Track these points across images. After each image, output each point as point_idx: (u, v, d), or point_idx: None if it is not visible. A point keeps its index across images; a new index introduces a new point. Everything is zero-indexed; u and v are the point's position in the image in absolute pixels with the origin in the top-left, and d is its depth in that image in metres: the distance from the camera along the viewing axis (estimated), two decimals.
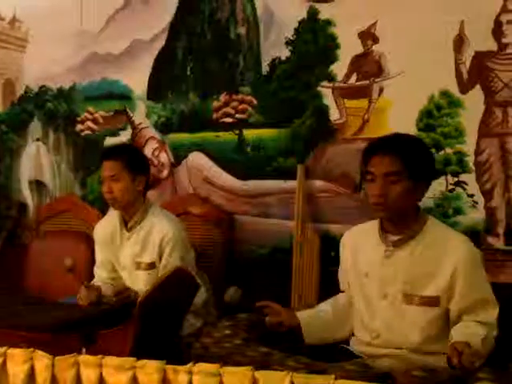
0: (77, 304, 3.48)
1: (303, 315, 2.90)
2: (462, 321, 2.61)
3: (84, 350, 2.87)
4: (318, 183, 4.05)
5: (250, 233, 4.28)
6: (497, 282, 3.46)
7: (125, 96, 4.74)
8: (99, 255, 3.84)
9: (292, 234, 4.07)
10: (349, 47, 3.92)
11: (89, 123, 4.88)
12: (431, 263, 2.64)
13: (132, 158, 3.68)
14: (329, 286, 3.17)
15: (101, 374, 2.17)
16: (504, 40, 3.47)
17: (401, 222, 2.71)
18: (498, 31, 3.48)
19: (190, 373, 2.07)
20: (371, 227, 2.82)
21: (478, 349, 2.38)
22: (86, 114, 4.89)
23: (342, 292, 2.99)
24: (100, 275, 3.81)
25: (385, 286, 2.72)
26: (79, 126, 4.91)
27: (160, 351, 2.45)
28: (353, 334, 2.88)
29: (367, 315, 2.79)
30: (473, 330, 2.53)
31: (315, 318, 2.92)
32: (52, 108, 5.00)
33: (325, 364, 2.33)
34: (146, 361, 2.14)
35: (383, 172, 2.64)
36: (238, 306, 3.05)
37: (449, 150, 3.63)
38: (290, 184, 4.10)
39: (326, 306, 2.99)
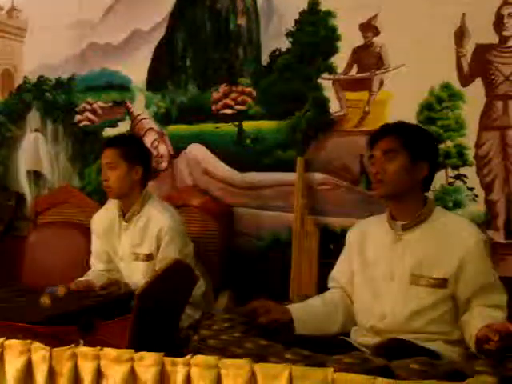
0: (74, 296, 3.48)
1: (294, 309, 2.89)
2: (471, 305, 2.63)
3: (82, 341, 2.86)
4: (318, 176, 4.04)
5: (249, 225, 4.27)
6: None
7: (124, 87, 4.72)
8: (96, 246, 3.84)
9: (291, 227, 4.06)
10: (349, 39, 3.91)
11: (87, 114, 4.86)
12: (440, 247, 2.67)
13: (130, 147, 3.70)
14: (328, 278, 3.16)
15: (99, 365, 2.17)
16: (505, 33, 3.47)
17: (406, 207, 2.74)
18: (498, 24, 3.47)
19: (188, 365, 2.07)
20: (380, 218, 2.87)
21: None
22: (84, 104, 4.86)
23: (329, 289, 3.01)
24: (96, 266, 3.81)
25: (392, 267, 2.75)
26: (78, 117, 4.89)
27: (158, 343, 2.44)
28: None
29: (373, 300, 2.80)
30: (492, 314, 2.56)
31: (306, 312, 2.91)
32: (50, 98, 4.98)
33: (323, 357, 2.32)
34: (144, 353, 2.13)
35: (382, 150, 2.73)
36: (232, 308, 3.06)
37: (449, 143, 3.63)
38: (290, 176, 4.09)
39: (314, 301, 2.99)
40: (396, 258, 2.74)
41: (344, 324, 2.90)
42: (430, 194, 3.57)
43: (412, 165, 2.70)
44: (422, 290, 2.67)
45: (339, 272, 2.99)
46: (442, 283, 2.65)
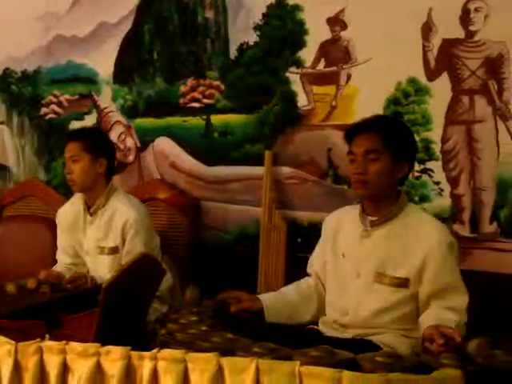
0: (39, 290, 3.46)
1: (265, 298, 2.90)
2: (430, 305, 2.64)
3: (47, 336, 2.84)
4: (286, 169, 4.04)
5: (217, 219, 4.27)
6: (462, 269, 3.49)
7: (90, 79, 4.69)
8: (61, 240, 3.82)
9: (259, 221, 4.06)
10: (317, 33, 3.91)
11: (54, 107, 4.82)
12: (405, 245, 2.67)
13: (93, 139, 3.69)
14: (295, 272, 3.17)
15: (64, 360, 2.15)
16: (471, 27, 3.49)
17: (381, 203, 2.74)
18: (465, 19, 3.49)
19: (155, 359, 2.06)
20: (353, 210, 2.85)
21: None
22: (51, 97, 4.83)
23: (308, 275, 3.01)
24: (62, 260, 3.79)
25: (359, 264, 2.75)
26: (44, 110, 4.86)
27: (125, 337, 2.43)
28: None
29: (338, 294, 2.81)
30: (445, 316, 2.56)
31: (278, 301, 2.92)
32: (16, 91, 4.93)
33: (290, 350, 2.33)
34: (110, 347, 2.12)
35: (363, 150, 2.69)
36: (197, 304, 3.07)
37: (416, 138, 3.63)
38: (258, 170, 4.09)
39: (288, 290, 3.00)
40: (363, 255, 2.74)
41: (316, 314, 2.91)
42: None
43: (394, 165, 2.69)
44: (385, 289, 2.67)
45: (315, 258, 2.99)
46: (403, 283, 2.65)
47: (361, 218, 2.79)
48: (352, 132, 2.77)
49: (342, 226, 2.88)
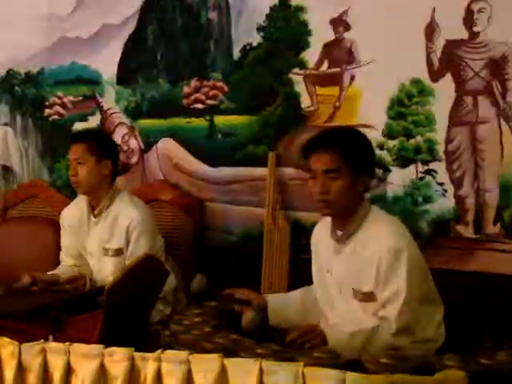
0: (43, 291, 3.47)
1: (272, 297, 2.92)
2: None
3: (51, 337, 2.84)
4: (289, 171, 4.04)
5: (221, 220, 4.27)
6: (466, 270, 3.49)
7: (94, 81, 4.69)
8: (65, 241, 3.83)
9: (262, 222, 4.06)
10: (320, 34, 3.90)
11: (57, 108, 4.82)
12: (368, 259, 2.64)
13: (97, 141, 3.69)
14: (299, 273, 3.17)
15: (68, 361, 2.15)
16: (475, 28, 3.48)
17: (346, 218, 2.71)
18: (469, 20, 3.49)
19: (159, 360, 2.06)
20: (329, 221, 2.82)
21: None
22: (54, 98, 4.83)
23: None
24: (65, 262, 3.80)
25: (340, 281, 2.75)
26: (47, 111, 4.86)
27: (129, 339, 2.43)
28: None
29: (327, 309, 2.83)
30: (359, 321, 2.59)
31: (283, 302, 2.93)
32: (20, 92, 4.94)
33: (293, 351, 2.34)
34: (114, 348, 2.12)
35: (323, 169, 2.65)
36: (204, 293, 3.06)
37: (419, 139, 3.64)
38: (261, 171, 4.08)
39: (295, 293, 3.00)
40: (341, 272, 2.73)
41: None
42: (399, 190, 3.63)
43: (355, 180, 2.66)
44: (361, 306, 2.67)
45: (312, 266, 3.00)
46: (370, 297, 2.64)
47: (332, 233, 2.78)
48: (309, 148, 2.72)
49: (321, 239, 2.87)
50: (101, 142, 3.72)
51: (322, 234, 2.88)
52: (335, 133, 2.80)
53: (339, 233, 2.75)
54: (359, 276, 2.66)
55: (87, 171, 3.62)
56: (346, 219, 2.71)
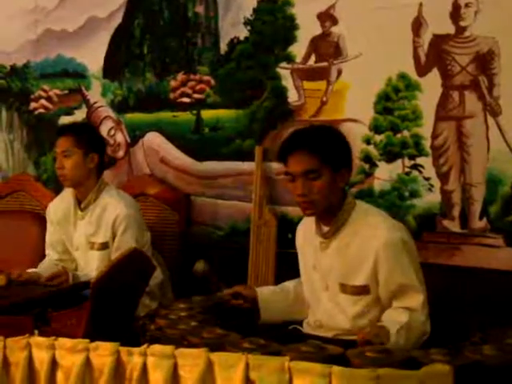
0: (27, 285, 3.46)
1: (263, 290, 2.93)
2: (392, 305, 2.65)
3: (36, 331, 2.83)
4: (276, 165, 4.03)
5: (207, 214, 4.26)
6: (452, 264, 3.50)
7: (80, 74, 4.68)
8: (50, 236, 3.82)
9: (249, 216, 4.06)
10: (308, 28, 3.89)
11: (43, 101, 4.81)
12: (358, 252, 2.66)
13: (84, 134, 3.69)
14: (285, 268, 3.17)
15: (53, 355, 2.15)
16: (462, 23, 3.48)
17: (330, 213, 2.73)
18: (455, 14, 3.49)
19: (145, 355, 2.06)
20: (314, 217, 2.83)
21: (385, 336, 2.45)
22: (40, 91, 4.82)
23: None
24: (51, 256, 3.79)
25: (325, 277, 2.77)
26: (33, 104, 4.84)
27: (115, 333, 2.42)
28: None
29: (313, 305, 2.85)
30: (394, 318, 2.57)
31: (274, 295, 2.95)
32: (5, 85, 4.91)
33: (280, 345, 2.33)
34: (99, 343, 2.12)
35: (301, 171, 2.66)
36: (207, 278, 3.09)
37: (406, 133, 3.64)
38: (248, 165, 4.08)
39: (288, 285, 3.02)
40: (327, 267, 2.75)
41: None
42: (386, 185, 3.63)
43: (335, 176, 2.67)
44: (350, 299, 2.69)
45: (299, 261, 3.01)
46: (364, 290, 2.67)
47: (317, 229, 2.79)
48: (285, 151, 2.72)
49: (307, 236, 2.89)
50: (88, 136, 3.71)
51: (306, 232, 2.90)
52: (308, 133, 2.78)
53: (325, 228, 2.76)
54: (348, 270, 2.68)
55: (74, 164, 3.61)
56: (331, 215, 2.73)
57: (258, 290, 2.96)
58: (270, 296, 2.93)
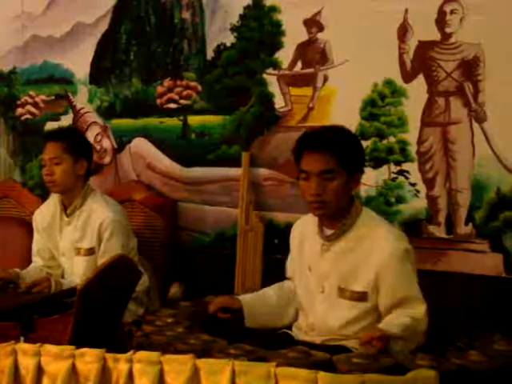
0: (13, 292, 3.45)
1: (246, 298, 2.92)
2: (391, 314, 2.64)
3: (22, 338, 2.82)
4: (263, 171, 4.04)
5: (194, 220, 4.26)
6: (438, 270, 3.51)
7: (67, 80, 4.67)
8: (37, 243, 3.80)
9: (236, 222, 4.06)
10: (294, 34, 3.90)
11: (29, 107, 4.79)
12: (360, 259, 2.67)
13: (74, 140, 3.67)
14: (272, 273, 3.17)
15: (39, 362, 2.14)
16: (447, 30, 3.50)
17: (336, 216, 2.73)
18: (441, 21, 3.51)
19: (131, 361, 2.06)
20: (314, 219, 2.82)
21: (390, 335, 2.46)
22: (26, 97, 4.80)
23: (288, 279, 3.01)
24: (37, 263, 3.77)
25: (322, 280, 2.76)
26: (19, 110, 4.83)
27: (101, 339, 2.42)
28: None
29: (306, 307, 2.83)
30: (395, 321, 2.58)
31: (258, 302, 2.94)
32: None
33: (266, 351, 2.34)
34: (85, 349, 2.11)
35: (318, 170, 2.65)
36: (181, 299, 3.08)
37: (392, 139, 3.65)
38: (235, 171, 4.08)
39: (269, 291, 3.01)
40: (326, 270, 2.75)
41: (294, 317, 2.93)
42: (372, 191, 3.64)
43: (349, 179, 2.68)
44: (347, 304, 2.68)
45: (289, 264, 3.00)
46: (362, 296, 2.66)
47: (319, 231, 2.78)
48: (301, 149, 2.72)
49: (306, 237, 2.88)
50: (77, 141, 3.69)
51: (305, 232, 2.88)
52: (327, 132, 2.77)
53: (328, 231, 2.75)
54: (349, 274, 2.68)
55: (64, 171, 3.58)
56: (338, 218, 2.72)
57: (241, 297, 2.94)
58: (253, 302, 2.92)
